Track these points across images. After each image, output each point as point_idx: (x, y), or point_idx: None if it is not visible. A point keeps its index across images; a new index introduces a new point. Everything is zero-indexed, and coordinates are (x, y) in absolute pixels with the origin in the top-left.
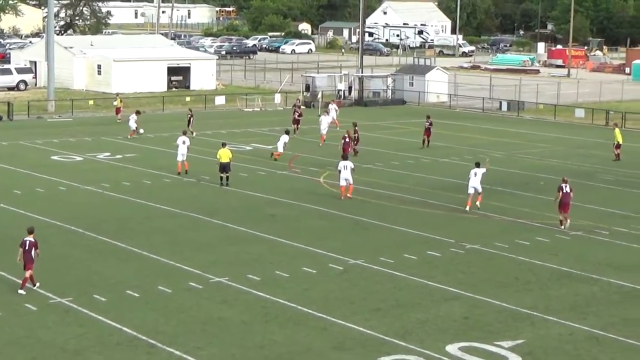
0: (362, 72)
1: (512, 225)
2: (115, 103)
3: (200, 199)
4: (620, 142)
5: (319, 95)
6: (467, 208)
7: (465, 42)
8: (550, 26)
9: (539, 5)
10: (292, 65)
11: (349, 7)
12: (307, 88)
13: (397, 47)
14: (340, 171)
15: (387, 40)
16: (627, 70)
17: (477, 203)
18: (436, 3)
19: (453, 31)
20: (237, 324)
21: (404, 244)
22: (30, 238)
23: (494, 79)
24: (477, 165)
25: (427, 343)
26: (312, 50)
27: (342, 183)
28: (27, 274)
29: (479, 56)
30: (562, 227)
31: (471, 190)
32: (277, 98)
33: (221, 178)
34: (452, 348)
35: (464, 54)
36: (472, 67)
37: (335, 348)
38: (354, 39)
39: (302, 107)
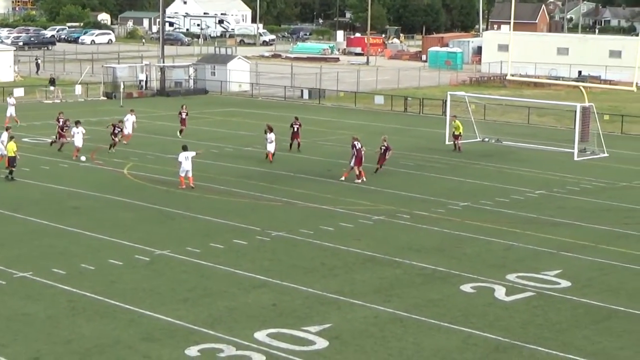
0: (163, 62)
1: (316, 212)
2: None
3: (0, 194)
4: (461, 133)
5: (121, 87)
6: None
7: (265, 31)
8: (348, 15)
9: None
10: (92, 56)
11: None
12: (52, 82)
13: (198, 36)
14: (181, 162)
15: (187, 30)
16: (424, 57)
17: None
18: None
19: (253, 20)
20: (42, 319)
21: (210, 233)
22: None
23: (295, 67)
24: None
25: (235, 331)
26: (112, 41)
27: (182, 174)
28: None
29: (279, 45)
30: (359, 180)
31: None
32: (78, 89)
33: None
34: (261, 335)
35: (265, 43)
36: (273, 56)
37: (144, 339)
38: (155, 28)
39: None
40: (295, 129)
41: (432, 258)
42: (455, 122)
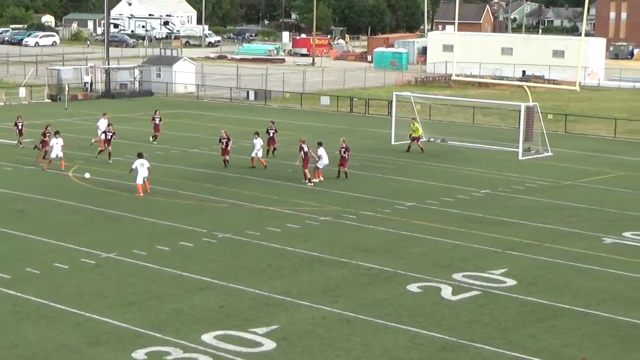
0: (108, 64)
1: (263, 213)
2: None
3: None
4: (420, 136)
5: (66, 89)
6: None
7: (211, 32)
8: (294, 15)
9: None
10: (36, 58)
11: None
12: None
13: (143, 38)
14: (136, 168)
15: (132, 31)
16: (369, 58)
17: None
18: None
19: (199, 21)
20: None
21: (155, 235)
22: None
23: (240, 68)
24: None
25: (182, 333)
26: (56, 43)
27: (139, 181)
28: None
29: (225, 46)
30: (310, 183)
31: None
32: (22, 92)
33: None
34: (208, 337)
35: (211, 44)
36: (219, 57)
37: (91, 343)
38: (99, 30)
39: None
40: (271, 134)
41: (378, 258)
42: (414, 124)
